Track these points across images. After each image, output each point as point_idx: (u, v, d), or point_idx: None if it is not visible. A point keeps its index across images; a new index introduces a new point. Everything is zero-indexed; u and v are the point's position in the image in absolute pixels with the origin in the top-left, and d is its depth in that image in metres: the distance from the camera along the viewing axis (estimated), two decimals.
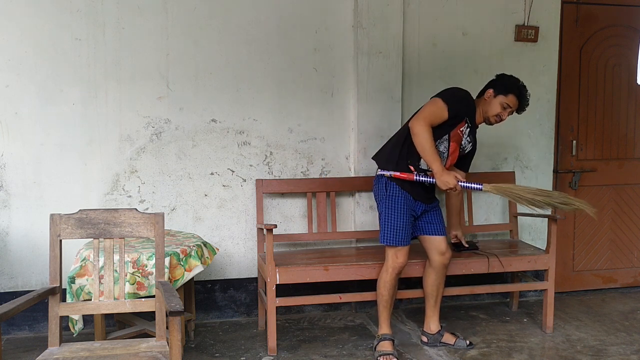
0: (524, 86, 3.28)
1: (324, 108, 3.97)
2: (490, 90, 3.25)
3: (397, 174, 3.16)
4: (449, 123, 3.14)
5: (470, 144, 3.36)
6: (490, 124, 3.33)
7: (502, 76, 3.31)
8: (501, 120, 3.28)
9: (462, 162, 3.43)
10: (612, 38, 4.44)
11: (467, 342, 3.43)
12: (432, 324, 3.46)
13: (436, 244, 3.32)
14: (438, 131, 3.15)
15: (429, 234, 3.32)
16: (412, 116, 3.23)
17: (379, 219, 3.28)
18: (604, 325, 3.87)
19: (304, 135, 3.96)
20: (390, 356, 3.21)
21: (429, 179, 3.15)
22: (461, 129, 3.22)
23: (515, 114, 3.33)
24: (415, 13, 4.02)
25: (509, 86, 3.23)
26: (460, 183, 3.10)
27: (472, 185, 3.15)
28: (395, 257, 3.21)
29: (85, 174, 3.66)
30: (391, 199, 3.19)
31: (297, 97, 3.92)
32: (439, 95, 3.16)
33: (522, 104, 3.27)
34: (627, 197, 4.58)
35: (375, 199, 3.34)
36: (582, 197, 4.45)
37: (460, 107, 3.16)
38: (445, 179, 3.07)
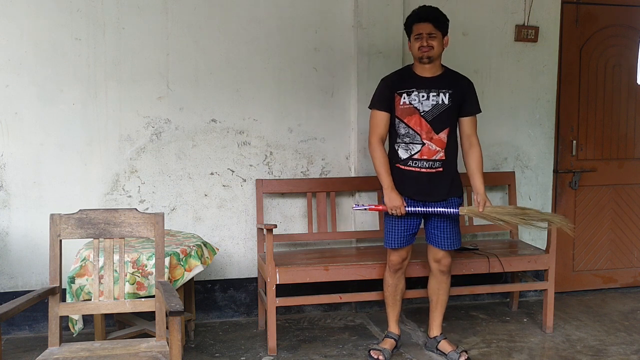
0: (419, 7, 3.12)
1: (324, 108, 3.97)
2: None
3: (372, 207, 3.26)
4: (390, 110, 3.14)
5: (430, 98, 3.07)
6: (424, 61, 3.07)
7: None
8: (428, 48, 3.02)
9: (457, 121, 3.18)
10: (612, 38, 4.44)
11: (463, 358, 3.21)
12: (431, 328, 3.39)
13: (433, 252, 3.27)
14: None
15: (432, 245, 3.25)
16: None
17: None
18: (604, 325, 3.87)
19: (304, 135, 3.96)
20: (379, 352, 3.22)
21: (417, 208, 3.12)
22: (402, 103, 3.09)
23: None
24: None
25: (407, 23, 3.13)
26: (409, 208, 3.10)
27: (448, 210, 3.11)
28: (389, 257, 3.25)
29: (85, 174, 3.66)
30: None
31: (297, 97, 3.92)
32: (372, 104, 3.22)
33: (420, 17, 3.05)
34: (627, 197, 4.58)
35: None
36: (582, 197, 4.47)
37: (382, 96, 3.14)
38: (389, 199, 3.10)
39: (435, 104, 3.08)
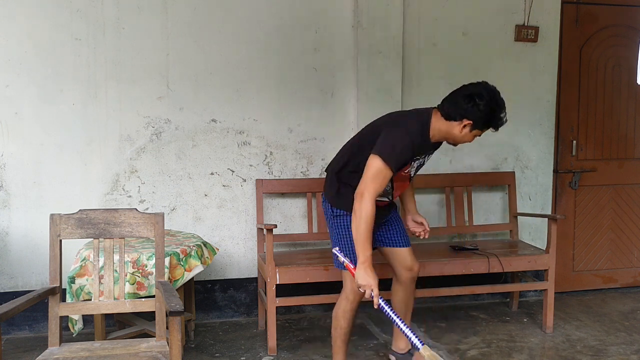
0: (503, 106, 2.63)
1: (324, 108, 3.97)
2: (468, 123, 2.60)
3: (348, 265, 2.60)
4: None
5: (422, 163, 2.85)
6: (451, 144, 2.78)
7: (485, 105, 2.56)
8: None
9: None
10: (612, 38, 4.44)
11: None
12: (402, 342, 3.16)
13: (401, 258, 2.95)
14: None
15: (391, 246, 2.93)
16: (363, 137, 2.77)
17: (333, 242, 2.84)
18: (604, 325, 3.86)
19: (304, 135, 3.96)
20: None
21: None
22: (406, 170, 2.75)
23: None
24: (415, 13, 4.02)
25: (489, 121, 2.61)
26: (383, 305, 2.53)
27: (409, 335, 2.48)
28: (352, 284, 2.70)
29: (85, 174, 3.66)
30: (340, 218, 2.78)
31: (297, 97, 3.92)
32: (377, 151, 2.56)
33: (497, 126, 2.68)
34: (627, 197, 4.58)
35: (328, 226, 2.89)
36: (582, 197, 4.48)
37: (403, 158, 2.61)
38: (364, 275, 2.53)
39: (419, 165, 2.83)
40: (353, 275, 2.59)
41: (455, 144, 2.76)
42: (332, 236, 2.84)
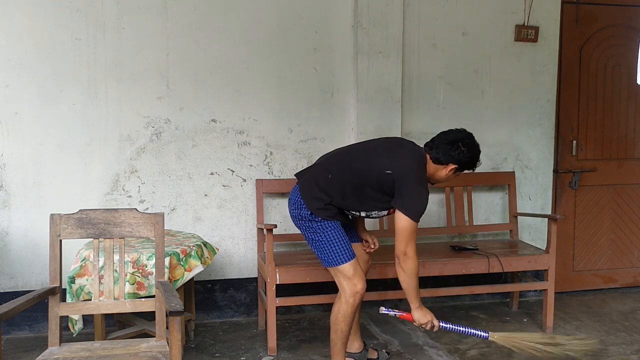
0: (479, 150, 2.89)
1: (324, 108, 3.97)
2: (454, 167, 2.83)
3: (402, 314, 2.89)
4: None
5: None
6: (432, 183, 2.97)
7: (468, 151, 2.82)
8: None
9: None
10: (612, 38, 4.44)
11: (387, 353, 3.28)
12: (355, 343, 3.22)
13: (359, 252, 3.06)
14: (379, 204, 2.85)
15: (355, 242, 3.07)
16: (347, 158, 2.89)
17: (310, 244, 2.91)
18: (604, 325, 3.86)
19: (304, 135, 3.96)
20: None
21: (457, 327, 2.88)
22: None
23: None
24: (415, 13, 4.02)
25: (471, 164, 2.87)
26: (444, 325, 2.84)
27: (474, 331, 2.85)
28: (353, 284, 2.82)
29: (85, 174, 3.66)
30: (317, 223, 2.84)
31: (297, 97, 3.92)
32: (406, 211, 2.71)
33: (475, 168, 2.96)
34: (627, 197, 4.58)
35: (299, 228, 2.95)
36: (582, 197, 4.48)
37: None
38: (422, 315, 2.81)
39: None
40: (410, 319, 2.86)
41: (433, 184, 2.96)
42: (309, 235, 2.89)
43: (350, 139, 4.00)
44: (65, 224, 2.44)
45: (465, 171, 2.92)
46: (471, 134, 2.88)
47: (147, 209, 3.74)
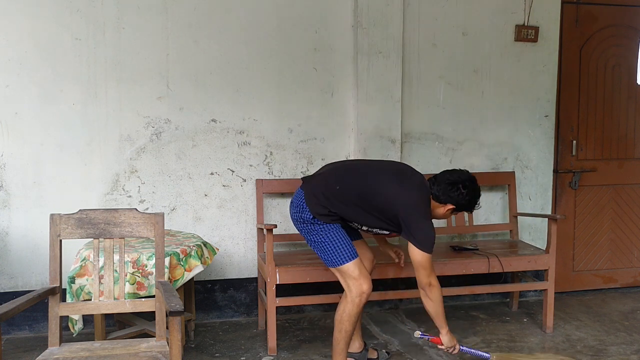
0: (479, 194, 2.96)
1: (324, 108, 3.97)
2: (451, 207, 2.91)
3: (435, 339, 3.00)
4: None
5: None
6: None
7: (467, 194, 2.89)
8: None
9: None
10: (612, 38, 4.44)
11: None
12: (357, 342, 3.23)
13: (363, 251, 3.07)
14: (382, 225, 2.91)
15: (358, 239, 3.09)
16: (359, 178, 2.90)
17: (312, 245, 2.93)
18: (604, 325, 3.86)
19: (304, 135, 3.96)
20: None
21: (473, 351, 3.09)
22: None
23: None
24: (415, 13, 4.02)
25: (469, 207, 2.95)
26: (462, 348, 3.04)
27: (477, 352, 3.09)
28: (359, 284, 2.83)
29: (85, 174, 3.66)
30: (319, 226, 2.87)
31: (297, 97, 3.92)
32: (419, 245, 2.78)
33: (473, 210, 3.06)
34: (627, 197, 4.58)
35: (300, 230, 2.97)
36: (582, 197, 4.48)
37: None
38: (450, 340, 2.97)
39: None
40: (439, 343, 2.99)
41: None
42: (310, 238, 2.91)
43: (350, 139, 4.00)
44: (65, 224, 2.44)
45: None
46: (474, 177, 2.95)
47: (147, 209, 3.74)
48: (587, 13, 4.37)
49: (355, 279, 2.84)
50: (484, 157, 4.25)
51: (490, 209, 4.30)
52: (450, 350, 2.99)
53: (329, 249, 2.85)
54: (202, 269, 3.19)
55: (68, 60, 3.58)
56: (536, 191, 4.38)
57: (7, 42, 3.50)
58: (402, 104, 4.02)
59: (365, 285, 2.84)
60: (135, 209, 2.52)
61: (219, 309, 3.95)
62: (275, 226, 3.33)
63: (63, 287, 2.58)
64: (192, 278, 3.35)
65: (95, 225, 2.47)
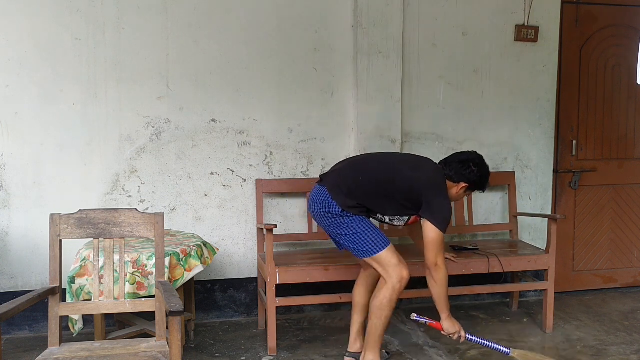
0: (489, 172, 3.09)
1: (324, 108, 3.97)
2: (464, 186, 3.00)
3: (432, 323, 2.97)
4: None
5: None
6: None
7: (478, 170, 3.00)
8: None
9: None
10: (612, 38, 4.44)
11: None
12: (358, 342, 3.22)
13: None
14: (404, 210, 2.96)
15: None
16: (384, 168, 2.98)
17: (344, 239, 2.95)
18: (604, 325, 3.86)
19: (304, 135, 3.96)
20: None
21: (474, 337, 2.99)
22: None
23: None
24: (415, 13, 4.02)
25: (481, 184, 3.04)
26: (473, 338, 2.96)
27: (497, 346, 2.96)
28: (400, 270, 2.88)
29: (85, 174, 3.66)
30: (348, 218, 2.91)
31: (297, 97, 3.92)
32: (434, 221, 2.83)
33: (484, 189, 3.14)
34: (627, 197, 4.58)
35: (326, 225, 3.00)
36: (582, 197, 4.48)
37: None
38: (451, 324, 2.93)
39: None
40: (439, 328, 2.96)
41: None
42: (340, 231, 2.94)
43: (350, 139, 4.00)
44: (65, 224, 2.44)
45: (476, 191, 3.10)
46: (481, 156, 3.07)
47: (147, 209, 3.74)
48: (587, 13, 4.37)
49: (395, 265, 2.89)
50: (484, 156, 4.24)
51: (490, 209, 4.29)
52: (455, 337, 2.96)
53: (363, 238, 2.89)
54: (202, 269, 3.19)
55: (68, 60, 3.58)
56: (536, 191, 4.38)
57: (7, 42, 3.50)
58: (402, 103, 4.02)
59: (405, 271, 2.90)
60: (135, 209, 2.52)
61: (219, 309, 3.96)
62: (275, 226, 3.33)
63: (63, 287, 2.58)
64: (192, 278, 3.35)
65: (95, 225, 2.47)
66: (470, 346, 3.48)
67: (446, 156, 3.10)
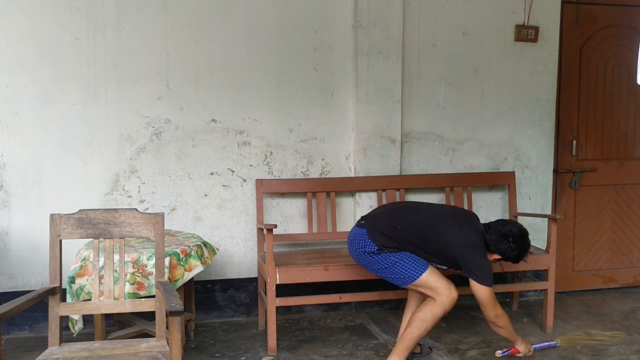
0: (528, 249, 3.12)
1: (324, 108, 3.97)
2: (499, 257, 3.07)
3: (513, 350, 3.28)
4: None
5: None
6: None
7: (516, 249, 3.03)
8: None
9: None
10: (612, 38, 4.44)
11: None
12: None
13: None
14: (441, 262, 3.07)
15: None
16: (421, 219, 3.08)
17: (383, 273, 3.05)
18: (604, 325, 3.86)
19: (304, 135, 3.96)
20: None
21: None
22: None
23: None
24: (415, 13, 4.02)
25: (515, 259, 3.09)
26: (534, 347, 3.34)
27: (544, 344, 3.43)
28: (450, 292, 2.96)
29: (85, 174, 3.66)
30: (384, 254, 3.01)
31: (297, 97, 3.92)
32: (481, 281, 2.92)
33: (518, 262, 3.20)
34: (627, 197, 4.58)
35: (365, 264, 3.11)
36: (582, 197, 4.48)
37: None
38: (527, 347, 3.25)
39: None
40: (516, 352, 3.27)
41: None
42: (378, 267, 3.05)
43: (350, 139, 4.00)
44: (65, 224, 2.44)
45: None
46: (525, 231, 3.09)
47: (147, 209, 3.74)
48: (587, 13, 4.37)
49: (443, 286, 2.96)
50: (484, 157, 4.25)
51: (490, 209, 4.29)
52: (530, 354, 3.26)
53: (400, 267, 2.98)
54: (202, 269, 3.19)
55: (68, 60, 3.58)
56: (536, 191, 4.38)
57: (7, 42, 3.50)
58: (402, 103, 4.02)
59: (454, 292, 2.98)
60: (135, 209, 2.52)
61: (219, 309, 3.96)
62: (275, 226, 3.33)
63: (63, 287, 2.58)
64: (192, 278, 3.35)
65: (95, 225, 2.47)
66: (470, 346, 3.48)
67: (491, 222, 3.13)
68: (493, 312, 2.99)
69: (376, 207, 3.97)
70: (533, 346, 3.33)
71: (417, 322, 2.99)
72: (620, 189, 4.57)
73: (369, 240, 3.03)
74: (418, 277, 2.96)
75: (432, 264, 3.06)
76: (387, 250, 3.00)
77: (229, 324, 3.88)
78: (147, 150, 3.73)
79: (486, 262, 2.97)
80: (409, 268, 2.97)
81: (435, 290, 2.97)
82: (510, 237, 3.00)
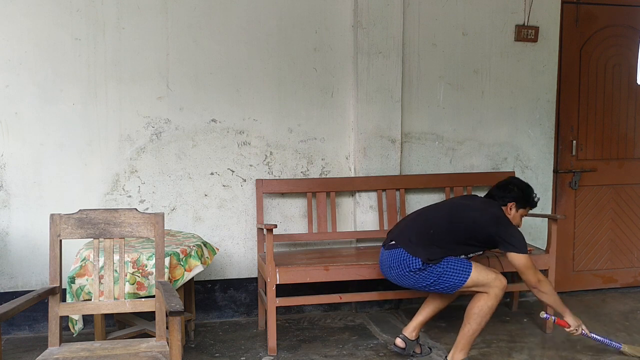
0: (531, 187, 3.32)
1: (324, 108, 3.97)
2: (512, 204, 3.21)
3: (561, 321, 3.26)
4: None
5: None
6: None
7: (517, 188, 3.23)
8: None
9: None
10: (612, 38, 4.44)
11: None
12: (416, 330, 3.38)
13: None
14: (476, 249, 3.17)
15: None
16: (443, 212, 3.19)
17: (433, 287, 3.07)
18: (604, 325, 3.86)
19: (304, 135, 3.96)
20: None
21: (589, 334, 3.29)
22: None
23: None
24: (415, 13, 4.02)
25: (527, 198, 3.24)
26: (589, 334, 3.27)
27: (605, 340, 3.33)
28: (500, 281, 3.03)
29: (85, 174, 3.66)
30: (432, 268, 3.03)
31: (297, 97, 3.92)
32: (516, 249, 3.03)
33: (534, 203, 3.33)
34: (627, 197, 4.58)
35: (412, 283, 3.10)
36: (582, 197, 4.48)
37: None
38: (575, 320, 3.22)
39: None
40: (564, 325, 3.24)
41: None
42: (425, 283, 3.06)
43: (350, 139, 4.00)
44: (65, 224, 2.44)
45: (529, 210, 3.30)
46: (518, 178, 3.38)
47: (147, 209, 3.74)
48: (587, 13, 4.37)
49: (493, 278, 3.02)
50: (484, 157, 4.25)
51: None
52: (578, 331, 3.22)
53: (448, 276, 3.01)
54: (202, 269, 3.19)
55: (68, 60, 3.58)
56: (536, 191, 4.34)
57: (7, 42, 3.50)
58: (402, 104, 4.02)
59: (503, 280, 3.05)
60: (135, 209, 2.52)
61: (219, 309, 3.96)
62: (275, 226, 3.33)
63: (63, 287, 2.58)
64: (192, 278, 3.35)
65: (95, 225, 2.47)
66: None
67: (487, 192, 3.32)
68: (535, 277, 3.04)
69: (377, 208, 3.97)
70: (595, 336, 3.29)
71: (474, 317, 3.06)
72: (620, 189, 4.57)
73: (413, 258, 3.03)
74: (466, 280, 3.01)
75: (471, 256, 3.16)
76: (432, 263, 3.01)
77: (229, 324, 3.88)
78: (147, 150, 3.73)
79: (516, 230, 3.08)
80: (455, 274, 3.01)
81: (486, 285, 3.03)
82: (508, 184, 3.25)
